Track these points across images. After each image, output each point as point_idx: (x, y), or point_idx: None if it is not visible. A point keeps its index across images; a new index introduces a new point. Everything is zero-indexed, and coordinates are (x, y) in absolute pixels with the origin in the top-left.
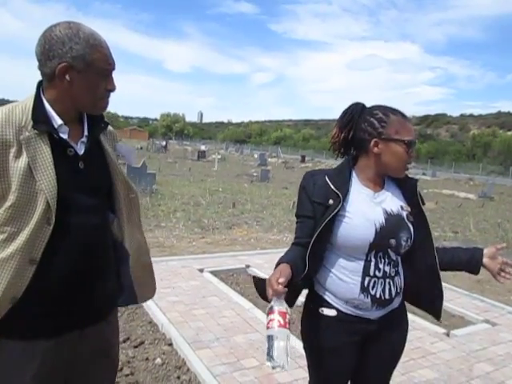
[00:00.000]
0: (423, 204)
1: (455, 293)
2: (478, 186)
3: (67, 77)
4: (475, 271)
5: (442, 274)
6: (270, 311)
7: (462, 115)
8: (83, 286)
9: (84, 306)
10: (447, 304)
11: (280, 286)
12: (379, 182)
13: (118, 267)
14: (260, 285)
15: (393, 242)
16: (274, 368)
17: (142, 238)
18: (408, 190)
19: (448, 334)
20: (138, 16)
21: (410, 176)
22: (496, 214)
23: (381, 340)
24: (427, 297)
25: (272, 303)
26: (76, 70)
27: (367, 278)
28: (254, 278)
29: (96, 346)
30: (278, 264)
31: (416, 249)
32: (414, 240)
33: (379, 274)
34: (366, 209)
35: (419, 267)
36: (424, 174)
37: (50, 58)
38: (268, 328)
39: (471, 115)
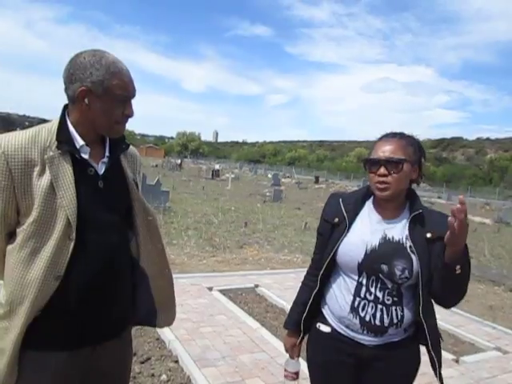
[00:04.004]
0: (430, 242)
1: (466, 319)
2: (494, 210)
3: (86, 100)
4: (451, 261)
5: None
6: (286, 369)
7: (478, 139)
8: (99, 301)
9: (99, 321)
10: (457, 330)
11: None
12: (392, 210)
13: (135, 286)
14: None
15: (384, 267)
16: None
17: (162, 263)
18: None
19: (457, 361)
20: (157, 38)
21: (427, 212)
22: None
23: (378, 371)
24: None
25: (288, 362)
26: (94, 95)
27: (358, 299)
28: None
29: (108, 363)
30: (292, 308)
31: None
32: (421, 274)
33: (370, 298)
34: (365, 230)
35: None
36: (439, 197)
37: (73, 81)
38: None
39: (488, 139)
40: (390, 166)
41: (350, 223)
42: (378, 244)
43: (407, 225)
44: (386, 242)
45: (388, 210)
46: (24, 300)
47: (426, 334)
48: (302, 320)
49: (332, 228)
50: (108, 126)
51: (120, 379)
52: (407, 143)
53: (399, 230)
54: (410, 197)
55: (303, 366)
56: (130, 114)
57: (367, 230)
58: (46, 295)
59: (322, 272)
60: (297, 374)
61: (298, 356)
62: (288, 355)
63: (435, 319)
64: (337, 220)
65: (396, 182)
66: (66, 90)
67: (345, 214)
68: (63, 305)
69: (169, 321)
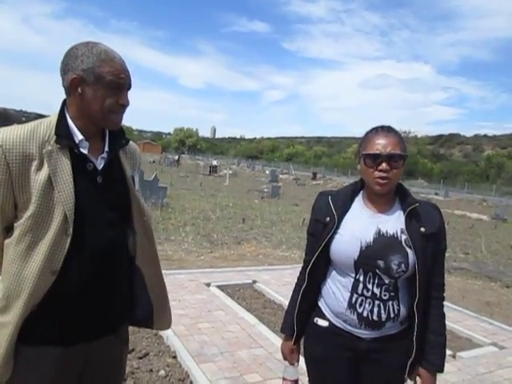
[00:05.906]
0: (426, 236)
1: (463, 314)
2: (491, 207)
3: (79, 89)
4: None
5: (449, 294)
6: (285, 378)
7: (475, 135)
8: (96, 297)
9: (95, 317)
10: (454, 326)
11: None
12: (384, 204)
13: (132, 283)
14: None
15: (380, 263)
16: None
17: (155, 264)
18: (411, 215)
19: (454, 356)
20: (154, 33)
21: (417, 203)
22: (509, 235)
23: (376, 363)
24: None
25: (287, 369)
26: (86, 83)
27: (355, 295)
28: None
29: (104, 359)
30: (285, 317)
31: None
32: (418, 269)
33: (367, 294)
34: (357, 227)
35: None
36: (436, 193)
37: (66, 71)
38: None
39: (485, 136)
40: (392, 161)
41: (340, 221)
42: (372, 239)
43: (403, 218)
44: (380, 237)
45: (380, 203)
46: (20, 294)
47: (414, 326)
48: (295, 316)
49: (324, 227)
50: (102, 115)
51: (115, 375)
52: (401, 139)
53: (393, 224)
54: (398, 189)
55: (301, 361)
56: (125, 103)
57: (360, 226)
58: (42, 290)
59: (309, 267)
60: (296, 381)
61: (298, 362)
62: (286, 363)
63: (428, 313)
64: (328, 219)
65: (395, 178)
66: (62, 81)
67: (334, 212)
68: (59, 300)
69: (165, 324)
